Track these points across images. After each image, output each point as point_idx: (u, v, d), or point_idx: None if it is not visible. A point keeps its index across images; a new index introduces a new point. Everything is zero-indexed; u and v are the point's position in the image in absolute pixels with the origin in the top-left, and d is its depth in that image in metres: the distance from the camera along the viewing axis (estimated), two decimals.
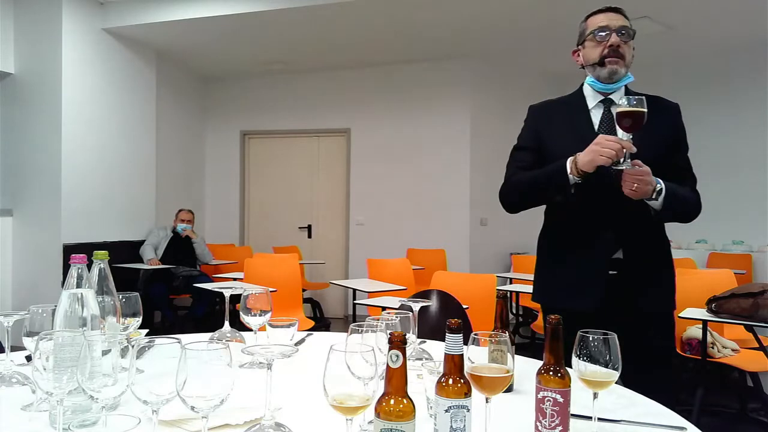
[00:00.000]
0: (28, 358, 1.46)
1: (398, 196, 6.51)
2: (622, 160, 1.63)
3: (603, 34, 1.77)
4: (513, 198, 1.94)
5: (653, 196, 1.67)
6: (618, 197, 1.70)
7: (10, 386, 1.33)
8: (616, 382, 1.08)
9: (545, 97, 2.08)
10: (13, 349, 1.45)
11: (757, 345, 2.82)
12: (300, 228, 7.04)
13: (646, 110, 1.61)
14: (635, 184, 1.64)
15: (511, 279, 4.97)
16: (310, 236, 7.02)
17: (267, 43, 5.86)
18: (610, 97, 1.82)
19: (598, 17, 1.81)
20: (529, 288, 4.05)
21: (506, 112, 6.55)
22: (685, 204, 1.79)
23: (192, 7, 5.09)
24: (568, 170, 1.72)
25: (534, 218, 2.05)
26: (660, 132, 1.77)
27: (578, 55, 1.89)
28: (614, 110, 1.68)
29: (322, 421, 1.13)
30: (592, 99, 1.86)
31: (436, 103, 6.41)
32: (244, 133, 7.24)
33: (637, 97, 1.63)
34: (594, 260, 1.78)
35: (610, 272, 1.77)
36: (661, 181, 1.68)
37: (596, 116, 1.83)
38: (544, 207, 1.96)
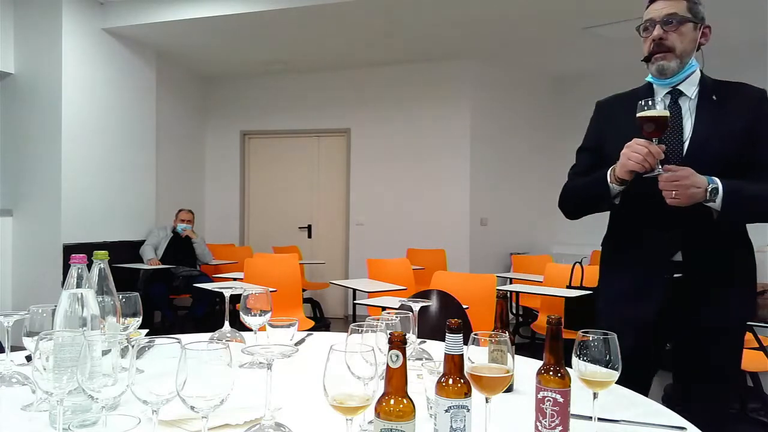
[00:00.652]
0: (28, 358, 1.46)
1: (398, 196, 6.51)
2: (655, 167, 1.52)
3: (647, 28, 1.66)
4: (566, 206, 1.87)
5: (708, 197, 1.52)
6: None
7: (10, 386, 1.33)
8: (618, 382, 1.08)
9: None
10: (13, 349, 1.45)
11: (757, 345, 2.82)
12: (300, 228, 7.04)
13: (668, 114, 1.53)
14: (673, 192, 1.50)
15: (511, 279, 4.97)
16: (310, 236, 7.02)
17: (267, 43, 5.86)
18: (679, 87, 1.68)
19: (652, 7, 1.67)
20: (529, 288, 4.11)
21: (506, 113, 6.57)
22: (756, 202, 1.59)
23: (192, 7, 5.08)
24: (608, 179, 1.63)
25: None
26: (735, 124, 1.59)
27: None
28: (637, 114, 1.56)
29: (322, 421, 1.13)
30: (660, 91, 1.71)
31: (436, 103, 6.41)
32: (244, 133, 7.24)
33: (659, 99, 1.55)
34: (653, 263, 1.66)
35: (675, 275, 1.63)
36: (716, 180, 1.52)
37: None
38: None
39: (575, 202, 1.84)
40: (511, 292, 4.37)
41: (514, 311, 5.35)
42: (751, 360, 3.01)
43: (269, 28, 5.36)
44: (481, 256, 6.27)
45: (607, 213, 1.83)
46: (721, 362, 1.65)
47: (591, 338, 1.06)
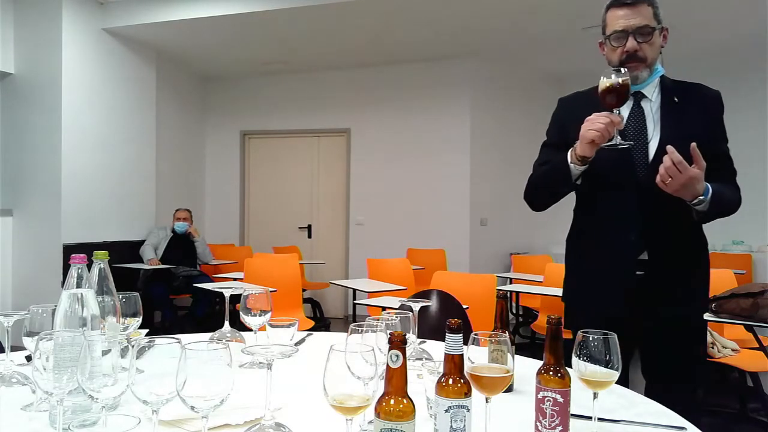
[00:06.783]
0: (28, 358, 1.46)
1: (398, 196, 6.51)
2: (614, 136, 1.56)
3: (619, 39, 1.69)
4: (530, 196, 1.91)
5: (692, 202, 1.58)
6: (642, 197, 1.65)
7: (10, 386, 1.32)
8: (616, 382, 1.08)
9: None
10: (13, 349, 1.45)
11: (757, 345, 2.82)
12: (300, 228, 7.04)
13: (629, 82, 1.55)
14: (669, 179, 1.52)
15: (511, 279, 4.97)
16: (310, 236, 7.01)
17: (267, 43, 5.86)
18: (641, 91, 1.72)
19: (617, 13, 1.70)
20: (529, 288, 4.11)
21: (506, 112, 6.57)
22: (728, 204, 1.69)
23: (192, 7, 5.09)
24: (569, 159, 1.68)
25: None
26: (697, 126, 1.65)
27: (604, 48, 1.80)
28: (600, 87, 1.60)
29: (322, 421, 1.13)
30: None
31: (436, 103, 6.41)
32: (244, 133, 7.24)
33: (622, 70, 1.56)
34: (618, 264, 1.72)
35: (637, 273, 1.70)
36: (709, 191, 1.58)
37: (624, 111, 1.71)
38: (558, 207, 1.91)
39: (539, 188, 1.88)
40: (511, 292, 4.37)
41: (514, 311, 5.35)
42: (751, 360, 3.02)
43: (269, 28, 5.36)
44: (481, 256, 6.27)
45: None
46: (683, 353, 1.72)
47: (591, 338, 1.06)
